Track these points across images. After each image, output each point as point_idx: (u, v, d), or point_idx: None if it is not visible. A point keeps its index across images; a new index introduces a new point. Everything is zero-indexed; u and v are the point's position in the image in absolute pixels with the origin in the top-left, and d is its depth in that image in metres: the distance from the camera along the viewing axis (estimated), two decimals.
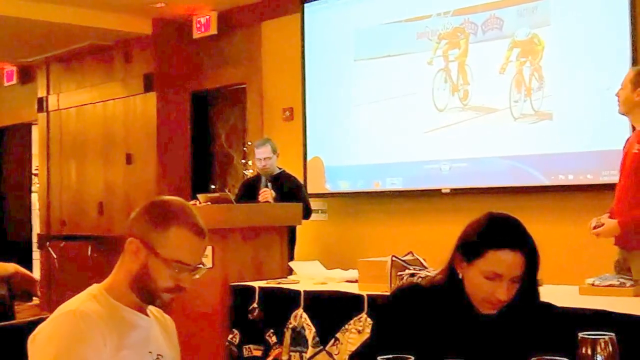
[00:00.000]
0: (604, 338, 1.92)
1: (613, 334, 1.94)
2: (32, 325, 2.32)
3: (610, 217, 4.69)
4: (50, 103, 11.11)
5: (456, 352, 2.42)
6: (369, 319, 4.51)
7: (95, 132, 10.34)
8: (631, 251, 4.65)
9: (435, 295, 2.55)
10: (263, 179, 6.99)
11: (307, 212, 6.94)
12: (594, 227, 4.68)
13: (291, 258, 6.62)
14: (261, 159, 7.05)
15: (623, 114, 4.85)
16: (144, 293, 2.32)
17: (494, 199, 6.62)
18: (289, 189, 7.00)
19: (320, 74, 8.03)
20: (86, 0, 8.56)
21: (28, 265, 10.84)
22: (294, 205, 6.24)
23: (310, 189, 7.70)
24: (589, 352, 1.91)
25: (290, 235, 6.75)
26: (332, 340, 4.71)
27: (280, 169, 7.22)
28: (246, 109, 9.07)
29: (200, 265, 2.35)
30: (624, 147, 4.87)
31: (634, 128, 4.78)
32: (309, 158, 8.02)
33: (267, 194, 6.74)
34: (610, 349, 1.91)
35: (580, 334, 1.93)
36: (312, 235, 7.78)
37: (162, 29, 9.38)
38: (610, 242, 4.80)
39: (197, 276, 2.35)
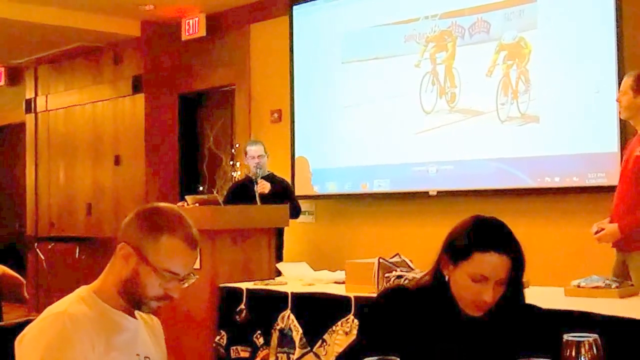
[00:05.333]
0: (588, 340, 1.92)
1: (597, 336, 1.95)
2: (20, 326, 2.31)
3: (611, 222, 4.70)
4: (39, 104, 11.09)
5: (442, 353, 2.43)
6: (356, 321, 4.51)
7: (83, 133, 10.33)
8: (630, 253, 4.67)
9: (422, 297, 2.56)
10: (254, 180, 6.98)
11: (296, 212, 6.98)
12: (595, 232, 4.70)
13: (279, 259, 6.62)
14: (255, 157, 7.07)
15: (625, 119, 4.91)
16: (132, 298, 2.32)
17: (481, 201, 6.64)
18: (279, 189, 7.01)
19: (309, 76, 8.04)
20: (75, 2, 8.55)
21: (22, 266, 10.79)
22: (281, 206, 6.24)
23: (298, 191, 7.70)
24: (573, 354, 1.91)
25: (278, 237, 6.76)
26: (320, 342, 4.72)
27: (269, 171, 7.24)
28: (234, 110, 9.08)
29: (190, 275, 2.35)
30: (625, 149, 4.91)
31: (636, 131, 4.81)
32: (296, 159, 8.03)
33: (264, 185, 6.78)
34: (595, 350, 1.92)
35: (565, 336, 1.94)
36: (300, 237, 7.79)
37: (150, 31, 9.38)
38: (598, 245, 4.83)
39: (186, 285, 2.35)
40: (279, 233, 6.83)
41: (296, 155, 8.04)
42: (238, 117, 8.99)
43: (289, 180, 7.67)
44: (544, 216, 6.43)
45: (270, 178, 7.15)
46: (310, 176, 7.93)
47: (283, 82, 8.22)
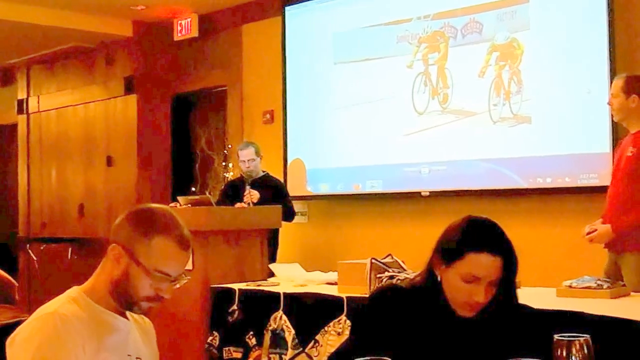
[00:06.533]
0: (579, 340, 1.92)
1: (588, 336, 1.95)
2: (11, 327, 2.31)
3: (603, 222, 4.71)
4: (31, 105, 11.06)
5: (434, 354, 2.43)
6: (348, 321, 4.51)
7: (75, 134, 10.31)
8: (622, 253, 4.68)
9: (414, 297, 2.55)
10: (248, 182, 6.97)
11: (290, 214, 6.97)
12: (587, 233, 4.71)
13: (273, 260, 6.62)
14: (245, 161, 7.06)
15: (618, 121, 4.93)
16: (123, 299, 2.32)
17: (473, 201, 6.65)
18: (273, 191, 7.00)
19: (301, 76, 8.03)
20: (67, 3, 8.52)
21: (14, 267, 10.76)
22: (273, 207, 6.23)
23: (291, 192, 7.69)
24: (564, 354, 1.92)
25: (273, 238, 6.75)
26: (312, 343, 4.71)
27: (264, 172, 7.22)
28: (227, 111, 9.07)
29: (182, 275, 2.34)
30: (617, 150, 4.93)
31: (628, 132, 4.83)
32: (289, 160, 8.02)
33: (253, 195, 6.73)
34: (586, 351, 1.92)
35: (556, 336, 1.94)
36: (293, 238, 7.78)
37: (143, 32, 9.36)
38: (590, 245, 4.84)
39: (177, 286, 2.34)
40: (274, 234, 6.82)
41: (291, 157, 8.03)
42: (230, 118, 8.98)
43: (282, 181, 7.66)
44: (536, 217, 6.44)
45: (264, 179, 7.14)
46: (306, 178, 7.92)
47: (275, 83, 8.22)
